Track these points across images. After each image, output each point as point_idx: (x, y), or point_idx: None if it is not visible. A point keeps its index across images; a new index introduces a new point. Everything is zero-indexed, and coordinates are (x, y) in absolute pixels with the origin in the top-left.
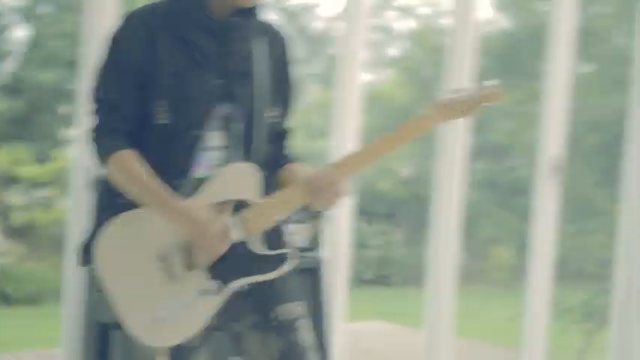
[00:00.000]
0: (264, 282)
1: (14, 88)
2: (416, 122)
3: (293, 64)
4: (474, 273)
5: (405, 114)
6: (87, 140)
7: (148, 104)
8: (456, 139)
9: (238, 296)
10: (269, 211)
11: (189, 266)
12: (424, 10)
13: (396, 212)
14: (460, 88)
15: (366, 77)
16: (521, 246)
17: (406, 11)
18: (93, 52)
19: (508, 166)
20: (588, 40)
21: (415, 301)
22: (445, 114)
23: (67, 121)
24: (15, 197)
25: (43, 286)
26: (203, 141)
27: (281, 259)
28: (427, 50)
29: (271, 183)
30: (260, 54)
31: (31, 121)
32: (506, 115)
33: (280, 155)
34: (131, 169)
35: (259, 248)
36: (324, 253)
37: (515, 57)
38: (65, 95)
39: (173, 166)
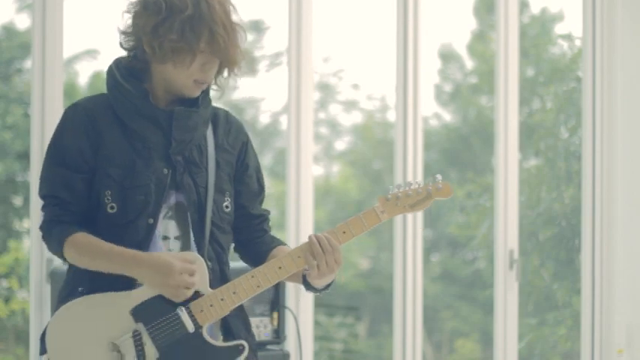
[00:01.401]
0: None
1: None
2: (364, 216)
3: (249, 149)
4: None
5: (358, 207)
6: (41, 237)
7: (96, 194)
8: (411, 230)
9: None
10: (222, 299)
11: (141, 357)
12: (368, 105)
13: (358, 305)
14: (409, 182)
15: (316, 171)
16: (486, 338)
17: (351, 105)
18: (42, 144)
19: (466, 258)
20: (532, 134)
21: None
22: (393, 209)
23: (21, 212)
24: None
25: None
26: (157, 229)
27: (236, 351)
28: (373, 144)
29: (226, 274)
30: (207, 142)
31: None
32: (459, 208)
33: (261, 241)
34: (88, 244)
35: (211, 339)
36: (289, 346)
37: (461, 151)
38: (18, 186)
39: None
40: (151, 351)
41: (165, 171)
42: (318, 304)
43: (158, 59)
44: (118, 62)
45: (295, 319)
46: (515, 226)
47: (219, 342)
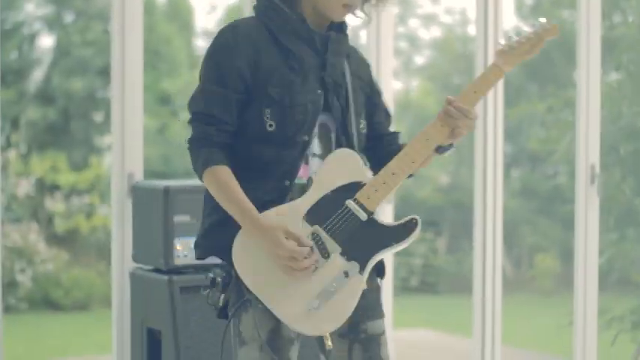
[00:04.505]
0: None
1: (46, 96)
2: (490, 73)
3: (375, 80)
4: (518, 281)
5: None
6: (188, 149)
7: (256, 112)
8: (491, 145)
9: None
10: (384, 183)
11: (325, 254)
12: (447, 19)
13: (438, 220)
14: (516, 31)
15: (396, 85)
16: (565, 253)
17: (430, 19)
18: (123, 60)
19: (546, 173)
20: (614, 48)
21: (459, 308)
22: (511, 59)
23: (102, 128)
24: (56, 204)
25: (91, 292)
26: (309, 147)
27: (410, 225)
28: (453, 58)
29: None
30: (348, 69)
31: (65, 129)
32: (539, 122)
33: (388, 148)
34: (221, 183)
35: (384, 222)
36: None
37: (541, 65)
38: (98, 102)
39: (283, 168)
40: (333, 247)
41: (319, 92)
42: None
43: None
44: None
45: None
46: (596, 140)
47: (392, 222)
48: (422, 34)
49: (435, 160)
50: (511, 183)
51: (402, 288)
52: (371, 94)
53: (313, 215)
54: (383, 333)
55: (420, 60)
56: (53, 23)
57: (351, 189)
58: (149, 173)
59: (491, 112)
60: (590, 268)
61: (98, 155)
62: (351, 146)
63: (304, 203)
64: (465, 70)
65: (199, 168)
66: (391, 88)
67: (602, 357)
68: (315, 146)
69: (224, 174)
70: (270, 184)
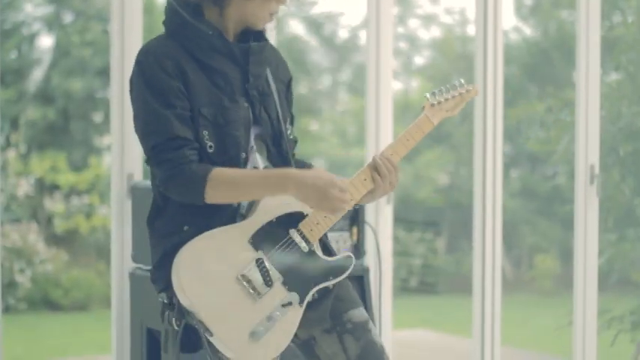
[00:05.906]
0: (332, 289)
1: (45, 96)
2: (421, 123)
3: (291, 83)
4: (517, 281)
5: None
6: (165, 190)
7: (194, 134)
8: (490, 146)
9: (309, 305)
10: (325, 217)
11: (269, 282)
12: (447, 19)
13: (437, 220)
14: (440, 88)
15: (395, 86)
16: (565, 254)
17: (430, 20)
18: (122, 60)
19: (545, 174)
20: (613, 48)
21: (458, 308)
22: (439, 114)
23: (101, 128)
24: (55, 205)
25: (90, 292)
26: (250, 162)
27: (347, 262)
28: (452, 58)
29: None
30: (271, 74)
31: (64, 129)
32: (539, 123)
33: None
34: (232, 175)
35: (323, 255)
36: (368, 261)
37: (542, 65)
38: (97, 103)
39: None
40: (275, 275)
41: (246, 105)
42: (398, 220)
43: None
44: (178, 1)
45: (375, 234)
46: (596, 140)
47: (330, 257)
48: (421, 34)
49: (435, 160)
50: (510, 183)
51: (402, 288)
52: (287, 95)
53: (258, 240)
54: (368, 319)
55: (419, 60)
56: (52, 23)
57: (294, 218)
58: (148, 173)
59: (491, 113)
60: (590, 269)
61: (98, 155)
62: (283, 157)
63: (250, 226)
64: (465, 70)
65: (199, 186)
66: (391, 89)
67: (602, 357)
68: (258, 160)
69: (225, 171)
70: (219, 208)
